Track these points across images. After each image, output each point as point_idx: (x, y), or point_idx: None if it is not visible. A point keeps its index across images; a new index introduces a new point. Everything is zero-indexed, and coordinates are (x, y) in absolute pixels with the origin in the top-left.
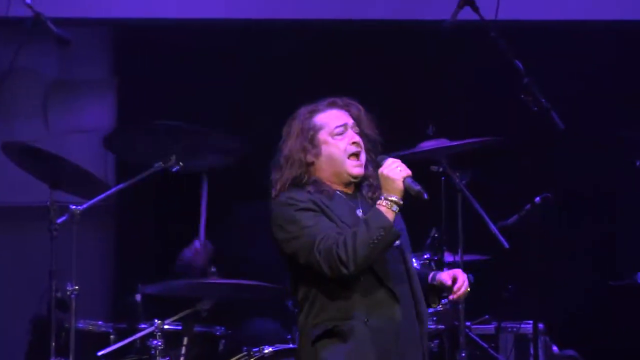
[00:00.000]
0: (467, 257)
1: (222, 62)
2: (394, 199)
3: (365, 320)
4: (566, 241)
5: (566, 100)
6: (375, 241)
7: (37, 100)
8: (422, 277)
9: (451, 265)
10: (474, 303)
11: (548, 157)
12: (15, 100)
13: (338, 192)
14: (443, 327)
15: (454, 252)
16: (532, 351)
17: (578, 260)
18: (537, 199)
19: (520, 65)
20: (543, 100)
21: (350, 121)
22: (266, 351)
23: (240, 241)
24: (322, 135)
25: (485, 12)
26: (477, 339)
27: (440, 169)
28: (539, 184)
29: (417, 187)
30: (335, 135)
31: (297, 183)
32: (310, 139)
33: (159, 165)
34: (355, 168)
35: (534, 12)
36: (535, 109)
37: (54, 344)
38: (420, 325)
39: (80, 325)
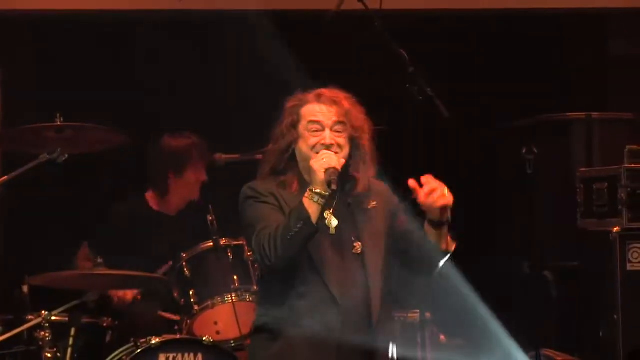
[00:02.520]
0: None
1: (105, 53)
2: (315, 190)
3: (300, 322)
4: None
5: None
6: (293, 234)
7: None
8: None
9: None
10: None
11: (432, 147)
12: None
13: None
14: None
15: None
16: (419, 340)
17: (461, 248)
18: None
19: (405, 55)
20: (428, 89)
21: (330, 121)
22: (153, 342)
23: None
24: (301, 128)
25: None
26: None
27: None
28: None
29: (331, 179)
30: (310, 131)
31: (274, 171)
32: (293, 125)
33: (44, 156)
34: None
35: (418, 1)
36: (421, 97)
37: None
38: (373, 340)
39: None
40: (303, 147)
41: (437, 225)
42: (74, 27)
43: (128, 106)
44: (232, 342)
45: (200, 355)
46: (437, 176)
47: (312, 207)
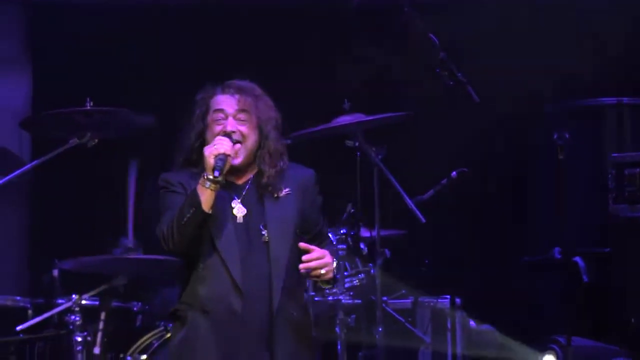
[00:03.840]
0: (383, 232)
1: (137, 41)
2: (207, 176)
3: (206, 309)
4: (481, 216)
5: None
6: (186, 219)
7: None
8: None
9: (367, 241)
10: (391, 278)
11: (464, 132)
12: None
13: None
14: (360, 301)
15: (370, 227)
16: (449, 325)
17: (492, 235)
18: (454, 173)
19: (436, 40)
20: (459, 74)
21: (233, 109)
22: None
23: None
24: (208, 118)
25: None
26: (394, 314)
27: (356, 144)
28: (455, 158)
29: (217, 165)
30: (215, 119)
31: (187, 162)
32: (202, 116)
33: (73, 141)
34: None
35: None
36: (452, 83)
37: None
38: (272, 326)
39: None
40: (209, 136)
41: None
42: (103, 12)
43: (155, 89)
44: None
45: None
46: (467, 163)
47: (204, 193)
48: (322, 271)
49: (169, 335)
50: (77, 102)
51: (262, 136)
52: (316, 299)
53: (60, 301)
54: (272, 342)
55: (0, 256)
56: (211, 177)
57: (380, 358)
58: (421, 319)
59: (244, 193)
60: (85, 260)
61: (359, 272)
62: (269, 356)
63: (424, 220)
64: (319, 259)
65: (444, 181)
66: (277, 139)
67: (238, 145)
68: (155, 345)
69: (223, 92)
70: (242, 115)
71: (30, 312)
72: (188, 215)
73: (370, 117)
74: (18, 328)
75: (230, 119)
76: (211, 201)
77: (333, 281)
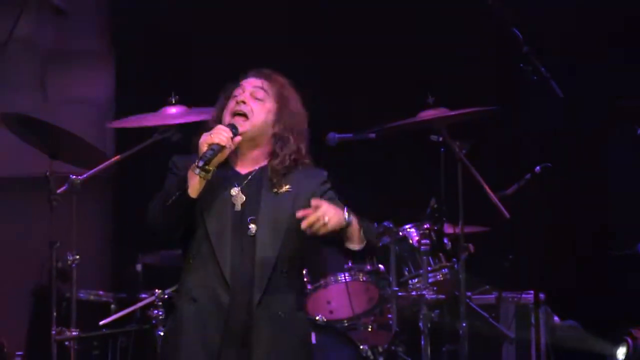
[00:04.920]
0: (467, 228)
1: (219, 32)
2: (198, 163)
3: (193, 298)
4: (566, 211)
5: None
6: (170, 201)
7: (34, 71)
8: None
9: (451, 237)
10: (474, 273)
11: (548, 127)
12: (13, 71)
13: (226, 168)
14: (443, 297)
15: (454, 222)
16: (533, 321)
17: (577, 230)
18: (538, 168)
19: (519, 34)
20: (542, 69)
21: (251, 86)
22: None
23: None
24: (233, 93)
25: None
26: (478, 309)
27: (440, 139)
28: (539, 153)
29: (207, 154)
30: (232, 97)
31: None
32: (225, 98)
33: (157, 135)
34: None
35: None
36: (535, 77)
37: (55, 314)
38: (251, 324)
39: (81, 295)
40: (224, 115)
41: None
42: (183, 7)
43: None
44: (345, 321)
45: (313, 335)
46: (551, 157)
47: (193, 179)
48: (326, 219)
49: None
50: (160, 96)
51: (278, 121)
52: (400, 294)
53: (143, 295)
54: (250, 339)
55: (83, 251)
56: (199, 164)
57: (463, 353)
58: (505, 314)
59: (245, 182)
60: (168, 254)
61: (443, 267)
62: (247, 353)
63: (507, 216)
64: (317, 211)
65: (528, 176)
66: (293, 127)
67: (239, 138)
68: None
69: (250, 74)
70: (259, 94)
71: (113, 306)
72: (173, 198)
73: (455, 112)
74: (101, 323)
75: (247, 94)
76: (199, 188)
77: (347, 225)
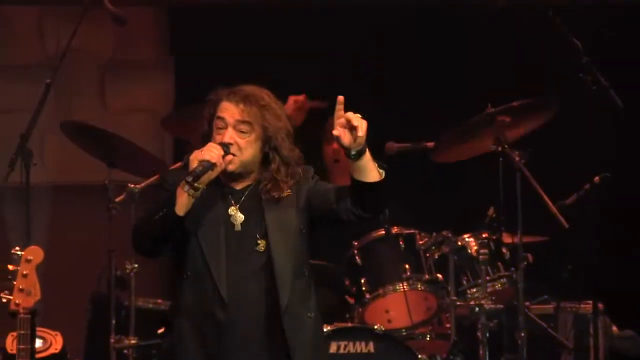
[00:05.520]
0: (526, 237)
1: (275, 40)
2: (187, 179)
3: (189, 317)
4: (624, 221)
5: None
6: (157, 217)
7: (94, 80)
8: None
9: (509, 246)
10: (533, 283)
11: (606, 136)
12: (73, 80)
13: (220, 185)
14: (502, 306)
15: (512, 232)
16: (591, 331)
17: (636, 240)
18: (596, 178)
19: (579, 44)
20: (602, 78)
21: (233, 119)
22: (325, 330)
23: None
24: (213, 123)
25: None
26: (536, 319)
27: (499, 149)
28: (597, 163)
29: (196, 171)
30: (217, 127)
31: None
32: (209, 119)
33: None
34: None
35: None
36: (594, 87)
37: (114, 322)
38: (256, 337)
39: (140, 303)
40: (212, 141)
41: (357, 156)
42: (240, 12)
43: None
44: (403, 330)
45: (371, 344)
46: (610, 167)
47: (181, 196)
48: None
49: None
50: None
51: (271, 147)
52: (458, 303)
53: None
54: (286, 347)
55: (141, 259)
56: (188, 180)
57: None
58: (563, 324)
59: (242, 199)
60: None
61: (501, 277)
62: None
63: (566, 225)
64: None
65: (587, 186)
66: (290, 148)
67: (230, 157)
68: None
69: (228, 99)
70: (243, 127)
71: None
72: (160, 214)
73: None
74: (159, 331)
75: (230, 129)
76: (187, 205)
77: (365, 149)
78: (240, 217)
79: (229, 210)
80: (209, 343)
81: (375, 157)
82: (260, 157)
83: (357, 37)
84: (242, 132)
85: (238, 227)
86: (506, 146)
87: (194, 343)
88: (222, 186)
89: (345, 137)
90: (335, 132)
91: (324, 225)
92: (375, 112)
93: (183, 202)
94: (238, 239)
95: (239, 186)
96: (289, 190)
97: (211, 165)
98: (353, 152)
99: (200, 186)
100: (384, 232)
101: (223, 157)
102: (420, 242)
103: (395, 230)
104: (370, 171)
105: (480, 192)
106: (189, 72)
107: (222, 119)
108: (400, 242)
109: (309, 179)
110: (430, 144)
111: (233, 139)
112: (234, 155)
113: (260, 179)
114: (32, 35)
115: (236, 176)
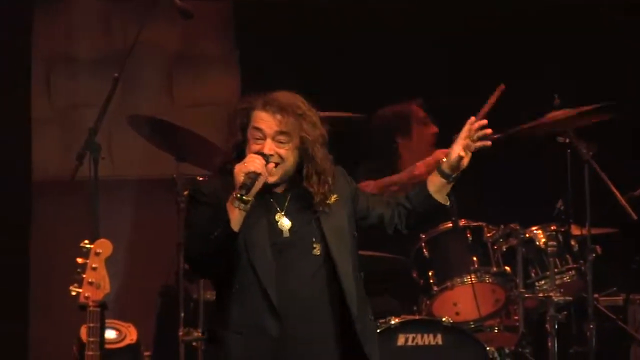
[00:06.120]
0: (594, 230)
1: (338, 35)
2: (236, 194)
3: (239, 331)
4: None
5: None
6: (213, 237)
7: (161, 74)
8: (420, 193)
9: (578, 238)
10: (601, 275)
11: None
12: (141, 74)
13: (260, 191)
14: (570, 298)
15: (581, 224)
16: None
17: None
18: None
19: None
20: None
21: (272, 130)
22: (393, 322)
23: None
24: (248, 132)
25: None
26: (605, 311)
27: (567, 140)
28: None
29: (246, 184)
30: (254, 137)
31: (222, 170)
32: (242, 128)
33: None
34: None
35: None
36: None
37: (182, 314)
38: (322, 345)
39: (208, 296)
40: (248, 151)
41: (447, 177)
42: (304, 7)
43: (345, 86)
44: (471, 323)
45: (439, 336)
46: None
47: (233, 213)
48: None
49: (378, 331)
50: None
51: (307, 156)
52: (526, 295)
53: None
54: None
55: None
56: (239, 195)
57: (591, 355)
58: (633, 316)
59: (285, 205)
60: None
61: (570, 269)
62: None
63: (635, 217)
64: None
65: None
66: (324, 157)
67: (271, 165)
68: None
69: (264, 108)
70: (281, 137)
71: None
72: (215, 234)
73: (579, 110)
74: None
75: (269, 140)
76: (240, 220)
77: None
78: (287, 223)
79: (275, 217)
80: (263, 356)
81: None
82: (297, 166)
83: (433, 26)
84: (281, 142)
85: (286, 234)
86: (574, 138)
87: (246, 358)
88: (262, 192)
89: (466, 161)
90: (461, 153)
91: (360, 231)
92: (445, 104)
93: (236, 218)
94: (288, 245)
95: (279, 190)
96: (335, 196)
97: (257, 176)
98: (454, 175)
99: (250, 199)
100: (451, 224)
101: (265, 166)
102: (488, 235)
103: (463, 222)
104: (445, 194)
105: (549, 184)
106: (254, 65)
107: (259, 129)
108: (468, 235)
109: (349, 183)
110: (499, 137)
111: (273, 150)
112: (276, 164)
113: (295, 183)
114: (100, 30)
115: (275, 183)
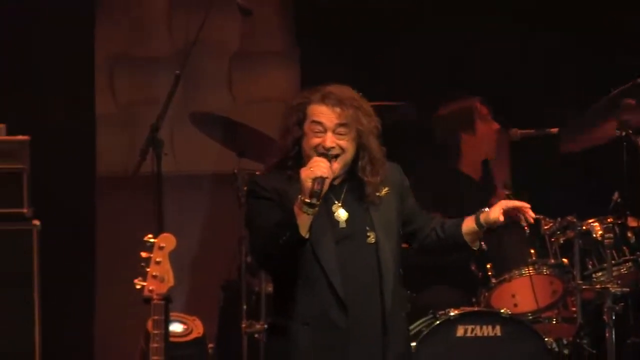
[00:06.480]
0: None
1: (400, 29)
2: (304, 200)
3: (306, 321)
4: None
5: None
6: (282, 241)
7: (222, 71)
8: (454, 228)
9: (635, 230)
10: None
11: None
12: (202, 71)
13: None
14: (628, 290)
15: (637, 216)
16: None
17: None
18: None
19: None
20: None
21: (332, 123)
22: (452, 314)
23: None
24: (305, 126)
25: None
26: None
27: (623, 133)
28: None
29: (316, 190)
30: (313, 131)
31: (280, 166)
32: (299, 123)
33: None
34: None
35: None
36: None
37: (245, 307)
38: (385, 330)
39: (270, 289)
40: (306, 146)
41: (480, 227)
42: (360, 5)
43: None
44: (529, 314)
45: (498, 327)
46: None
47: (301, 217)
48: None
49: (437, 322)
50: None
51: (362, 147)
52: (584, 287)
53: None
54: (387, 346)
55: None
56: (308, 201)
57: None
58: None
59: (342, 196)
60: None
61: (627, 261)
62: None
63: None
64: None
65: None
66: (377, 148)
67: (336, 165)
68: (425, 333)
69: (323, 102)
70: (341, 129)
71: None
72: (284, 238)
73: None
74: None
75: (330, 133)
76: (308, 224)
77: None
78: (344, 214)
79: (332, 208)
80: (330, 346)
81: None
82: (354, 157)
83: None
84: (341, 134)
85: (343, 224)
86: (630, 131)
87: (313, 348)
88: None
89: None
90: (500, 218)
91: None
92: (500, 98)
93: (305, 223)
94: (345, 236)
95: (336, 182)
96: (386, 188)
97: (324, 180)
98: (486, 228)
99: (318, 203)
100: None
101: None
102: (545, 227)
103: None
104: (476, 239)
105: (605, 176)
106: (314, 62)
107: (319, 123)
108: (526, 228)
109: (402, 180)
110: (554, 130)
111: (334, 142)
112: (336, 155)
113: (350, 174)
114: (161, 28)
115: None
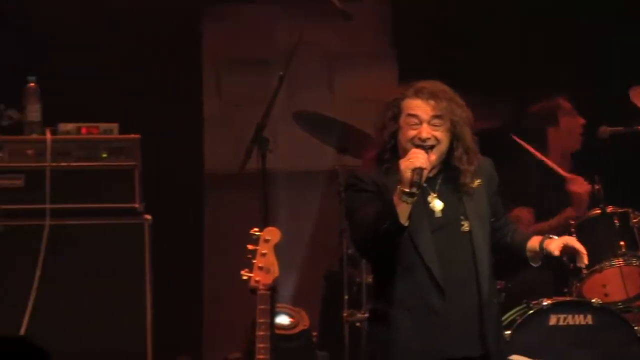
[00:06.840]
0: None
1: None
2: (403, 189)
3: (407, 307)
4: None
5: None
6: (383, 230)
7: (322, 72)
8: (521, 240)
9: None
10: None
11: None
12: (303, 72)
13: None
14: None
15: None
16: None
17: None
18: None
19: None
20: None
21: (427, 115)
22: (545, 303)
23: None
24: (401, 120)
25: None
26: None
27: None
28: None
29: (415, 180)
30: (409, 124)
31: (378, 159)
32: (394, 118)
33: None
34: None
35: None
36: None
37: (346, 297)
38: (482, 316)
39: (370, 279)
40: (402, 139)
41: (543, 253)
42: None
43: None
44: (619, 304)
45: (589, 317)
46: None
47: (400, 206)
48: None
49: (531, 311)
50: None
51: (456, 137)
52: None
53: None
54: (484, 331)
55: None
56: (407, 190)
57: None
58: None
59: (437, 187)
60: None
61: None
62: (481, 344)
63: None
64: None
65: None
66: (470, 137)
67: (433, 156)
68: (518, 321)
69: (417, 96)
70: (436, 121)
71: None
72: (385, 227)
73: None
74: None
75: (425, 125)
76: (407, 213)
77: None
78: (439, 204)
79: (428, 198)
80: (429, 332)
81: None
82: (448, 147)
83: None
84: (436, 125)
85: (438, 214)
86: None
87: (415, 335)
88: None
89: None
90: (555, 253)
91: None
92: (589, 96)
93: (405, 212)
94: (441, 225)
95: (431, 173)
96: (479, 180)
97: (422, 171)
98: (543, 254)
99: (418, 192)
100: (599, 211)
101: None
102: (634, 220)
103: (610, 209)
104: (536, 259)
105: None
106: (411, 63)
107: (415, 116)
108: (615, 221)
109: (494, 176)
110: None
111: (430, 133)
112: (433, 147)
113: (445, 165)
114: (265, 32)
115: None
